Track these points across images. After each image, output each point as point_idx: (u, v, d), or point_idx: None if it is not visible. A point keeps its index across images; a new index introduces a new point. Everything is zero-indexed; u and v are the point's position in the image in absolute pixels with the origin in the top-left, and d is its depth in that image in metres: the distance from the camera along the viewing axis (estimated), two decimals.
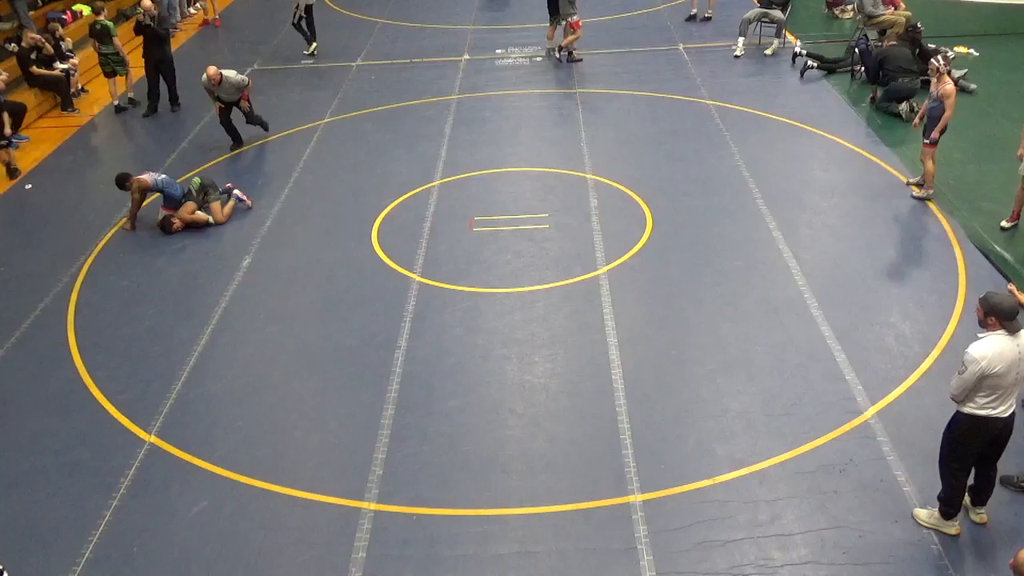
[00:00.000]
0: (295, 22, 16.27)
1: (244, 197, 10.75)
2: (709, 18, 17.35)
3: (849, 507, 6.13)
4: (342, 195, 11.12)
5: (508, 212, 10.43)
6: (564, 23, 15.32)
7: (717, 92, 13.69)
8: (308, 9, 16.21)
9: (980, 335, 5.45)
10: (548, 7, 15.69)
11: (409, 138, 12.63)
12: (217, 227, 10.38)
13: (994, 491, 5.95)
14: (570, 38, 15.33)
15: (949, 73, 10.10)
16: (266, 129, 12.75)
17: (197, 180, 10.55)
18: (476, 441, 6.94)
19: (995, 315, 5.36)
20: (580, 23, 15.31)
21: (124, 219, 10.54)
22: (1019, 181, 9.26)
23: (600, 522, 6.14)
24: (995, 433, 5.57)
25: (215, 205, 10.44)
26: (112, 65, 14.09)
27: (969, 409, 5.51)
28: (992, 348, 5.33)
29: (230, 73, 12.18)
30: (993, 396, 5.43)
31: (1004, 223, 9.45)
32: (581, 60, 15.44)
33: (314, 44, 16.55)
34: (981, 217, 9.71)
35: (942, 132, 9.80)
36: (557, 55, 15.60)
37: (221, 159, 12.29)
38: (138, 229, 10.42)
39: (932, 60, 9.91)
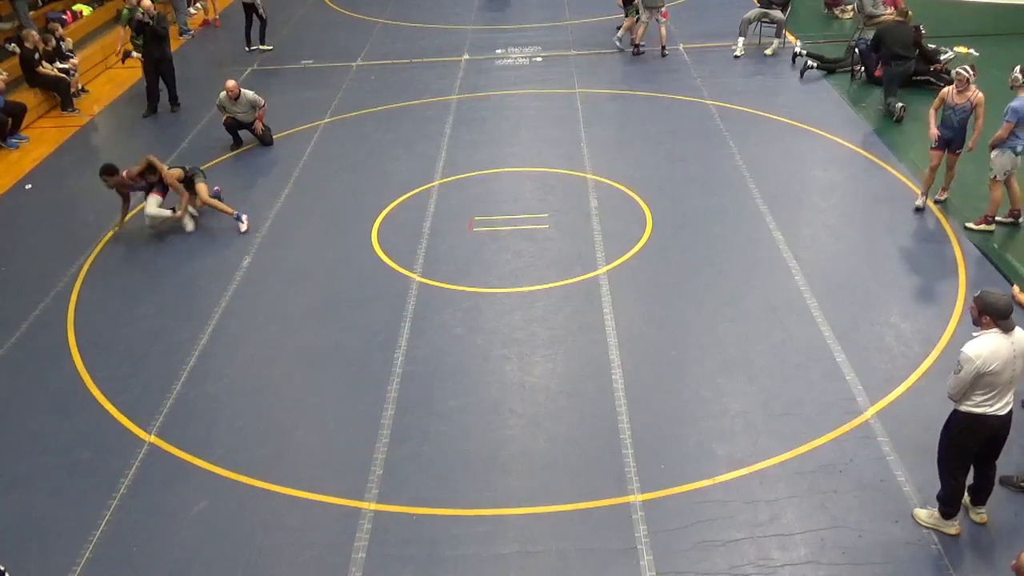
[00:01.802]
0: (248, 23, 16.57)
1: (243, 222, 10.28)
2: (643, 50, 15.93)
3: (849, 507, 6.14)
4: (342, 195, 11.12)
5: (508, 212, 10.43)
6: (654, 11, 15.33)
7: (717, 92, 13.69)
8: (249, 8, 16.39)
9: (975, 334, 5.47)
10: (623, 2, 15.83)
11: (409, 138, 12.64)
12: (217, 227, 10.36)
13: (994, 491, 5.95)
14: (640, 31, 15.51)
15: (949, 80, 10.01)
16: (270, 144, 12.56)
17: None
18: (476, 441, 6.94)
19: (989, 314, 5.37)
20: (668, 14, 15.77)
21: (117, 223, 10.37)
22: (1014, 177, 9.30)
23: (600, 522, 6.14)
24: (993, 431, 5.58)
25: (201, 185, 10.35)
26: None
27: (966, 407, 5.52)
28: (987, 347, 5.34)
29: (249, 92, 12.18)
30: (990, 394, 5.44)
31: (999, 217, 9.50)
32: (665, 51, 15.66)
33: (256, 45, 16.79)
34: (981, 217, 9.70)
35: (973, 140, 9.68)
36: (637, 50, 15.60)
37: (221, 159, 12.29)
38: (138, 230, 10.42)
39: (960, 70, 9.52)
